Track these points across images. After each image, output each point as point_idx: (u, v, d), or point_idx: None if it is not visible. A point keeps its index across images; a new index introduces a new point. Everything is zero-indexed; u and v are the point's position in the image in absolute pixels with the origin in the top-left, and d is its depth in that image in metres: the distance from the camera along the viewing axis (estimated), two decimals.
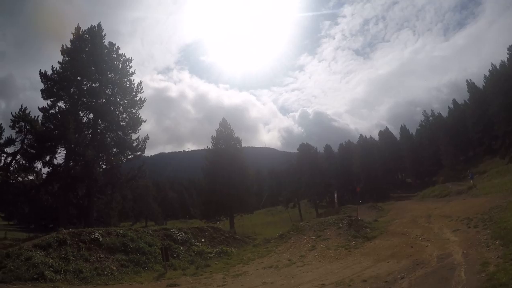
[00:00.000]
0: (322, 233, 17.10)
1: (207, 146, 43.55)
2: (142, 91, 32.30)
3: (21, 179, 28.90)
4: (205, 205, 42.09)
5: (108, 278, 12.55)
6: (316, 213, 50.57)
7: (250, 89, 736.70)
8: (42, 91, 28.80)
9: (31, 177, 29.70)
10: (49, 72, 29.16)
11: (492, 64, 52.97)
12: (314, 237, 16.65)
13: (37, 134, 27.38)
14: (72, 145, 27.98)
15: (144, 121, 32.15)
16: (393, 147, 69.03)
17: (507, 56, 48.28)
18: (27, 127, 27.63)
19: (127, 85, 31.80)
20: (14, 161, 27.92)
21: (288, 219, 44.18)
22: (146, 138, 31.92)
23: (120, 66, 31.76)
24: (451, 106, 65.44)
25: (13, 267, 11.56)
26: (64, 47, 30.13)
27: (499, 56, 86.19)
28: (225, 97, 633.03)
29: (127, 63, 32.16)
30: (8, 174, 27.64)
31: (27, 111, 27.88)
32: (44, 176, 29.72)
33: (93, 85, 30.80)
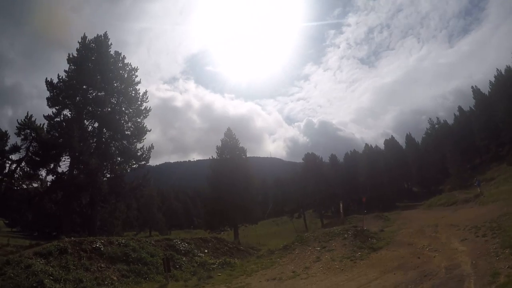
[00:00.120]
0: (327, 244, 16.79)
1: (212, 156, 43.35)
2: (147, 100, 32.45)
3: (25, 186, 28.97)
4: (210, 215, 41.77)
5: None
6: (321, 223, 50.08)
7: (256, 98, 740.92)
8: (47, 99, 28.96)
9: (35, 185, 29.74)
10: (55, 80, 29.39)
11: (497, 69, 52.86)
12: (319, 248, 16.34)
13: (42, 141, 27.48)
14: (77, 154, 27.98)
15: (149, 131, 32.24)
16: (399, 156, 68.34)
17: None
18: (33, 134, 27.75)
19: (133, 95, 31.94)
20: (18, 168, 28.01)
21: (293, 229, 43.74)
22: (151, 147, 31.96)
23: (126, 75, 31.94)
24: (457, 113, 65.06)
25: (12, 275, 11.42)
26: (70, 56, 30.40)
27: (504, 61, 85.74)
28: (231, 106, 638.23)
29: (133, 72, 32.35)
30: (13, 181, 27.75)
31: (33, 119, 28.06)
32: (48, 183, 29.74)
33: (99, 94, 30.93)
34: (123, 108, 31.65)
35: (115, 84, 31.50)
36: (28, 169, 28.18)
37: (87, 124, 30.71)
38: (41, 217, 33.51)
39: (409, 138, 70.53)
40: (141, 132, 31.54)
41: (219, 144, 42.71)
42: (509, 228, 12.83)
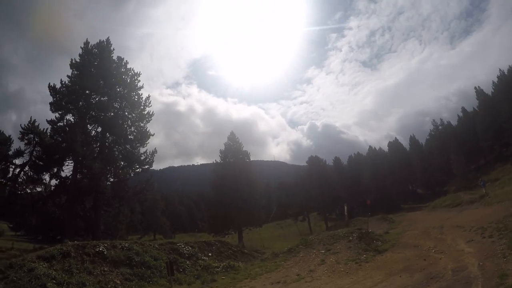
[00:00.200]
0: (331, 246, 16.67)
1: (216, 160, 43.38)
2: (150, 105, 32.40)
3: (29, 191, 28.98)
4: (214, 219, 41.71)
5: None
6: (325, 226, 49.85)
7: (259, 102, 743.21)
8: (50, 104, 29.02)
9: (39, 189, 29.77)
10: (58, 85, 29.44)
11: (500, 70, 52.59)
12: (323, 251, 16.22)
13: (45, 146, 27.54)
14: (80, 158, 27.97)
15: (152, 135, 32.17)
16: (403, 158, 67.90)
17: None
18: (36, 139, 27.82)
19: (135, 99, 31.96)
20: (22, 172, 28.07)
21: (298, 232, 43.53)
22: (154, 151, 31.89)
23: (128, 80, 31.99)
24: (460, 114, 64.78)
25: (15, 278, 11.43)
26: (73, 61, 30.52)
27: (507, 61, 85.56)
28: (234, 111, 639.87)
29: (136, 77, 32.37)
30: (16, 185, 27.79)
31: (36, 124, 28.12)
32: (52, 188, 29.78)
33: (102, 98, 30.96)
34: (126, 113, 31.66)
35: (118, 89, 31.51)
36: (31, 173, 28.22)
37: (90, 128, 30.73)
38: (45, 221, 33.45)
39: (413, 140, 70.19)
40: (144, 136, 31.53)
41: (223, 148, 42.74)
42: None
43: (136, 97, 31.99)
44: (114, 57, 32.06)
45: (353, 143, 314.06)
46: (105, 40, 32.15)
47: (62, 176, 28.85)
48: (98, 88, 30.38)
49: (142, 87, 32.51)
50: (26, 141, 27.72)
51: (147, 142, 31.71)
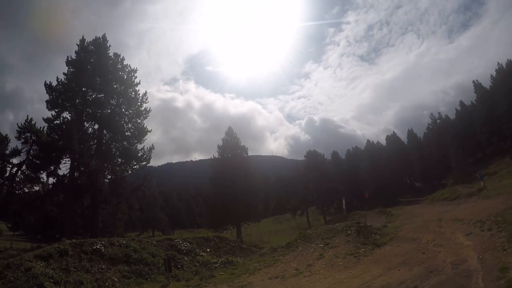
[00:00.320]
0: (330, 240, 16.62)
1: (214, 155, 43.32)
2: (147, 101, 32.31)
3: (26, 190, 28.91)
4: (212, 214, 41.73)
5: None
6: (324, 220, 49.87)
7: (256, 97, 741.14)
8: (47, 102, 28.87)
9: (36, 188, 29.70)
10: (54, 83, 29.26)
11: (498, 63, 52.57)
12: (322, 245, 16.17)
13: (42, 144, 27.45)
14: (77, 156, 27.88)
15: (150, 131, 32.13)
16: (401, 152, 68.02)
17: None
18: (33, 138, 27.72)
19: (132, 96, 31.82)
20: (19, 171, 27.98)
21: (296, 226, 43.57)
22: (152, 148, 31.87)
23: (125, 76, 31.82)
24: (458, 108, 64.56)
25: (12, 278, 11.34)
26: (69, 59, 30.29)
27: (505, 55, 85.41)
28: (231, 106, 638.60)
29: (132, 73, 32.20)
30: (14, 184, 27.75)
31: (33, 122, 28.00)
32: (49, 186, 29.68)
33: (98, 95, 30.80)
34: (123, 110, 31.56)
35: (115, 86, 31.37)
36: (29, 172, 28.15)
37: (87, 126, 30.64)
38: (43, 220, 33.41)
39: (410, 134, 70.18)
40: (141, 133, 31.44)
41: (221, 143, 42.64)
42: None
43: (133, 93, 31.89)
44: (111, 54, 31.92)
45: (351, 137, 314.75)
46: (101, 37, 31.94)
47: (59, 174, 28.87)
48: (94, 85, 30.25)
49: (139, 83, 32.45)
50: (23, 140, 27.69)
51: (144, 138, 31.72)
